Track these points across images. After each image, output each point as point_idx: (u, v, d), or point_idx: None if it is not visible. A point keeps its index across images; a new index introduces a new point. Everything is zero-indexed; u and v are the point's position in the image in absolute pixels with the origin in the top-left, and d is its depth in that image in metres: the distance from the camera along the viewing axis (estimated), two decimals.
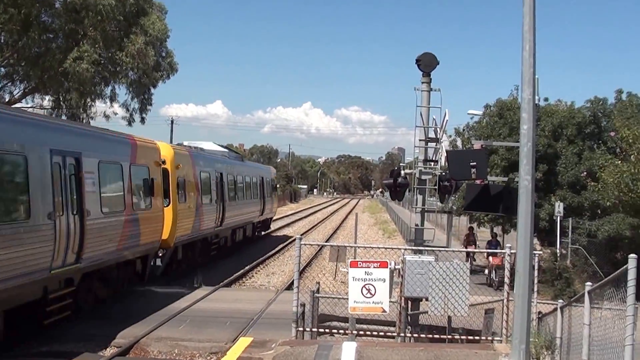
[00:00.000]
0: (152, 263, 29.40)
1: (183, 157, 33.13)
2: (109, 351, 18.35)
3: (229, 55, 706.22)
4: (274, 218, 66.21)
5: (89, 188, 21.36)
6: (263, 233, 58.17)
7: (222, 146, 49.41)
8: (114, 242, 23.55)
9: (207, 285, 29.13)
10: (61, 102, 50.37)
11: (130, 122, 55.45)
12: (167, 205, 29.91)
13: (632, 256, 10.54)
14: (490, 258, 36.04)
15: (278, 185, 69.50)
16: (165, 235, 29.46)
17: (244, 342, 16.89)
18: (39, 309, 18.86)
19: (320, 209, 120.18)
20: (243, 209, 46.06)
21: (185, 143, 40.59)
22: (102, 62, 46.93)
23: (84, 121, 50.33)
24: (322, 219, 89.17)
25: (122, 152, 25.41)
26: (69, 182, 20.13)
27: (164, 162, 29.76)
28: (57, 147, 19.65)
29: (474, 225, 43.69)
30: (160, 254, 30.37)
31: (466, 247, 38.41)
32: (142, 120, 55.70)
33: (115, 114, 56.32)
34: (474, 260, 41.16)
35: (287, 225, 73.90)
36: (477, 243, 41.33)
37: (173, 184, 30.84)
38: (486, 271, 37.48)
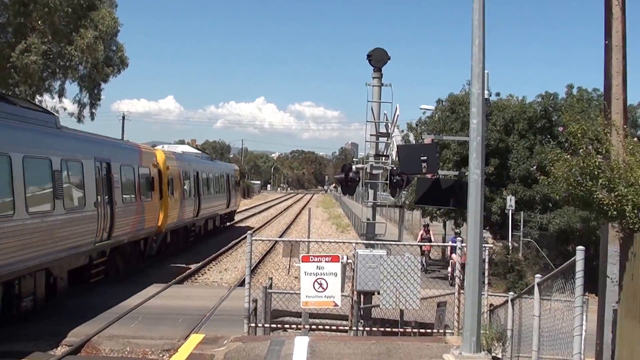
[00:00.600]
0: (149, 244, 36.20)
1: (171, 160, 39.62)
2: (60, 350, 18.19)
3: (181, 50, 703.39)
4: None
5: (115, 185, 28.54)
6: (228, 224, 65.10)
7: (197, 149, 62.48)
8: (130, 225, 30.78)
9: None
10: None
11: (80, 118, 54.72)
12: (160, 199, 36.28)
13: (580, 248, 10.65)
14: (454, 256, 36.15)
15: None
16: (159, 223, 36.04)
17: (195, 338, 16.79)
18: (86, 272, 26.42)
19: (274, 205, 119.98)
20: (213, 202, 53.52)
21: (166, 147, 46.17)
22: (51, 56, 46.35)
23: None
24: (276, 215, 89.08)
25: (133, 158, 32.88)
26: (104, 180, 27.38)
27: (157, 164, 36.40)
28: (98, 156, 27.06)
29: (427, 219, 43.93)
30: (155, 238, 36.63)
31: (421, 247, 38.26)
32: (92, 115, 55.06)
33: (64, 109, 55.62)
34: (429, 258, 41.09)
35: (241, 220, 75.59)
36: (433, 240, 41.16)
37: (165, 182, 37.25)
38: (449, 269, 37.71)
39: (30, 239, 20.27)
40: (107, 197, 27.39)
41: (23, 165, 19.86)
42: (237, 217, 73.42)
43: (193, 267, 36.62)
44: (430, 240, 39.56)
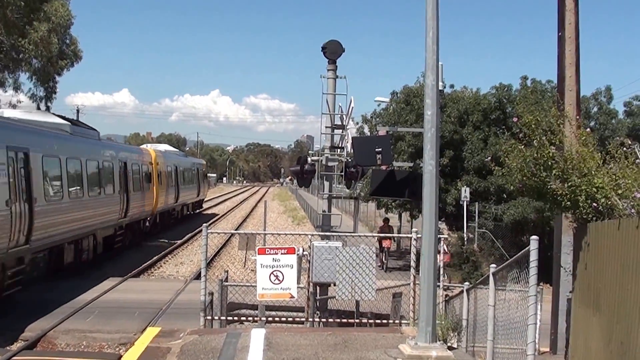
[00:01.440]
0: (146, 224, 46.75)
1: (159, 157, 50.68)
2: (16, 345, 18.02)
3: (135, 42, 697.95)
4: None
5: (129, 177, 39.63)
6: (197, 211, 76.15)
7: (175, 147, 78.97)
8: (137, 208, 41.86)
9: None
10: None
11: None
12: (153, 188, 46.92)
13: (534, 238, 10.73)
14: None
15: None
16: (153, 207, 46.96)
17: (152, 332, 16.70)
18: (111, 241, 36.84)
19: (230, 198, 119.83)
20: (188, 191, 64.70)
21: (149, 146, 56.36)
22: (5, 49, 45.85)
23: None
24: (232, 208, 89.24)
25: (138, 157, 44.04)
26: (123, 175, 38.24)
27: (151, 161, 47.28)
28: (120, 159, 38.21)
29: (382, 211, 43.99)
30: (149, 219, 47.19)
31: (381, 240, 38.09)
32: (48, 109, 54.60)
33: (20, 101, 55.12)
34: (389, 255, 40.37)
35: (207, 209, 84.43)
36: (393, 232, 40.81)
37: (155, 174, 47.52)
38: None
39: (88, 214, 31.55)
40: (124, 186, 38.27)
41: (86, 165, 31.84)
42: (204, 206, 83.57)
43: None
44: (391, 232, 39.28)
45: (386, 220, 41.98)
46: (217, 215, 77.07)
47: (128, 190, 38.67)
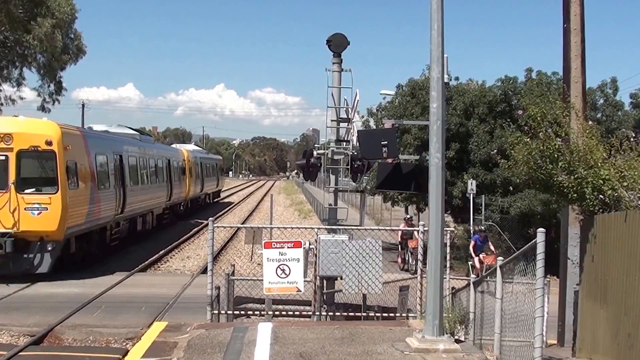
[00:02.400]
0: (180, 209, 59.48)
1: (190, 155, 63.78)
2: (23, 340, 18.01)
3: (139, 36, 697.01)
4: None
5: (172, 171, 51.34)
6: (216, 200, 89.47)
7: (198, 145, 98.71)
8: (177, 194, 54.34)
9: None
10: None
11: (43, 107, 54.31)
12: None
13: (541, 230, 10.68)
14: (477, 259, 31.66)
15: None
16: (185, 195, 59.65)
17: (158, 326, 16.71)
18: (160, 219, 48.36)
19: (236, 192, 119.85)
20: (210, 182, 78.25)
21: (177, 146, 72.83)
22: (9, 44, 45.84)
23: None
24: (238, 202, 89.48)
25: (176, 155, 57.44)
26: (168, 169, 49.59)
27: (184, 159, 60.12)
28: (165, 157, 50.34)
29: (393, 205, 43.79)
30: (182, 204, 59.99)
31: (402, 241, 36.41)
32: (53, 102, 54.72)
33: (22, 98, 55.14)
34: (411, 258, 35.39)
35: (222, 198, 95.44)
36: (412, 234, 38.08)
37: (187, 169, 60.25)
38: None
39: (150, 197, 43.21)
40: (169, 177, 50.59)
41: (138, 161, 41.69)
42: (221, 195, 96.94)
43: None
44: (412, 235, 34.00)
45: (409, 220, 38.28)
46: (233, 202, 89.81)
47: (172, 180, 51.53)
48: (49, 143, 26.70)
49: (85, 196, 29.77)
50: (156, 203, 45.48)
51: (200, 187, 69.33)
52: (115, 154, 35.33)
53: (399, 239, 36.77)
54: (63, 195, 26.94)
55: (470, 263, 32.13)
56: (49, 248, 26.64)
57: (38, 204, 26.52)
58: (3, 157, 26.55)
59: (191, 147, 78.89)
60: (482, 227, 33.95)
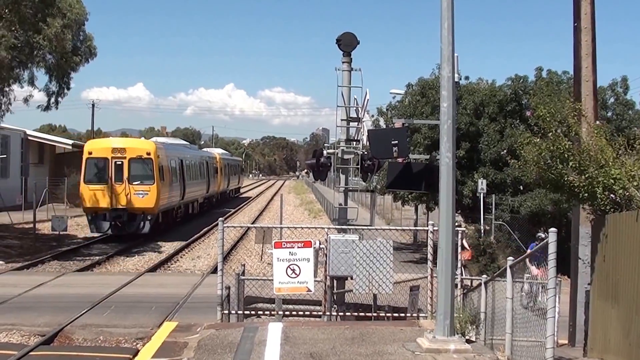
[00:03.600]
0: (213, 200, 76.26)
1: (220, 156, 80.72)
2: (33, 340, 18.02)
3: (149, 36, 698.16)
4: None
5: (209, 170, 68.50)
6: (236, 195, 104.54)
7: (189, 141, 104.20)
8: (212, 188, 71.48)
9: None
10: None
11: (48, 107, 54.19)
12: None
13: (552, 230, 10.66)
14: (532, 268, 29.22)
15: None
16: (218, 189, 76.24)
17: (169, 326, 16.74)
18: (201, 207, 66.64)
19: (246, 191, 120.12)
20: (234, 180, 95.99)
21: (206, 148, 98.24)
22: (20, 45, 45.79)
23: (2, 107, 49.57)
24: (258, 194, 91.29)
25: (211, 157, 73.35)
26: (206, 168, 66.72)
27: (217, 160, 75.66)
28: (205, 159, 68.63)
29: (399, 203, 43.63)
30: (215, 196, 76.80)
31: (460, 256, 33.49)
32: (57, 103, 54.55)
33: (31, 96, 55.00)
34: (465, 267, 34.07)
35: (240, 194, 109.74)
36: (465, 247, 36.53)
37: (220, 169, 76.19)
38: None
39: (197, 189, 60.46)
40: (207, 175, 66.08)
41: (184, 164, 56.13)
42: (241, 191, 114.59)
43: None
44: (463, 248, 32.78)
45: (461, 234, 34.57)
46: (251, 197, 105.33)
47: (209, 177, 68.08)
48: (149, 154, 43.52)
49: (167, 187, 46.85)
50: (200, 194, 63.47)
51: (227, 183, 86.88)
52: (179, 159, 53.14)
53: None
54: (157, 186, 43.49)
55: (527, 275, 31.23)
56: (149, 218, 43.08)
57: (142, 191, 42.83)
58: (120, 162, 42.75)
59: (220, 150, 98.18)
60: (542, 235, 32.04)
